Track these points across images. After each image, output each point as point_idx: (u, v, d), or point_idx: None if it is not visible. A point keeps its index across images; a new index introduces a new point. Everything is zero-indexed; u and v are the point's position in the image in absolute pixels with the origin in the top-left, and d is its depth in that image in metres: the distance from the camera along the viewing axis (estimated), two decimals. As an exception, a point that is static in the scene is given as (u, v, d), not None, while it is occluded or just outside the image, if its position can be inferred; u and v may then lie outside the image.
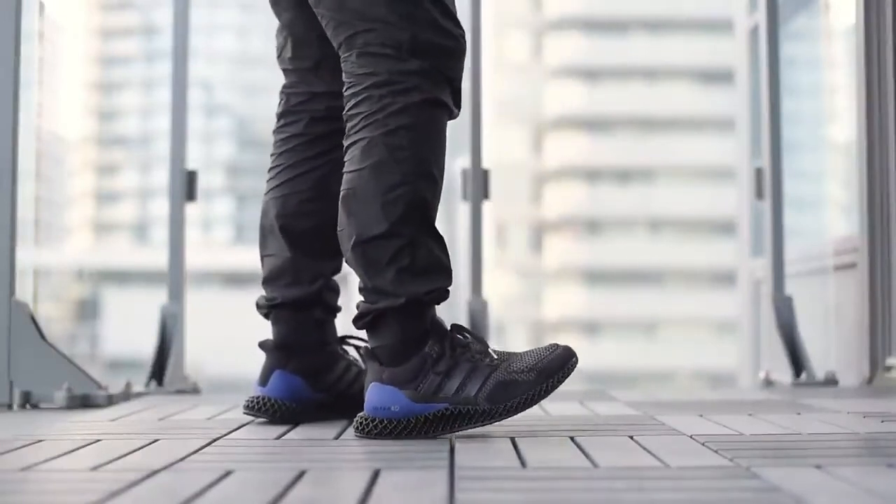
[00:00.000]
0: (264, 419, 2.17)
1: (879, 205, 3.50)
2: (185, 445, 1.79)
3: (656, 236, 37.36)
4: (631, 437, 1.84)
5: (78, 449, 1.78)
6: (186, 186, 3.53)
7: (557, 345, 1.98)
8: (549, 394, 1.92)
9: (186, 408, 2.55)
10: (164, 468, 1.54)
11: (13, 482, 1.46)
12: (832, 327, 3.88)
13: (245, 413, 2.17)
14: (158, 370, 3.30)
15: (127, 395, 2.88)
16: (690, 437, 1.85)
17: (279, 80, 2.28)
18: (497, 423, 1.92)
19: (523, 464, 1.57)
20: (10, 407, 2.70)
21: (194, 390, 3.27)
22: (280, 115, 2.26)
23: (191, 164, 3.55)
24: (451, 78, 1.97)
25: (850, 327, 3.67)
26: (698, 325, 35.60)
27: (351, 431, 1.95)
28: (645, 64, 37.43)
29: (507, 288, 36.67)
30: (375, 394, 1.90)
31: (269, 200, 2.22)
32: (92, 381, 2.76)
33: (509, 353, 1.97)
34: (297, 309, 2.20)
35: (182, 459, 1.63)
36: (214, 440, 1.88)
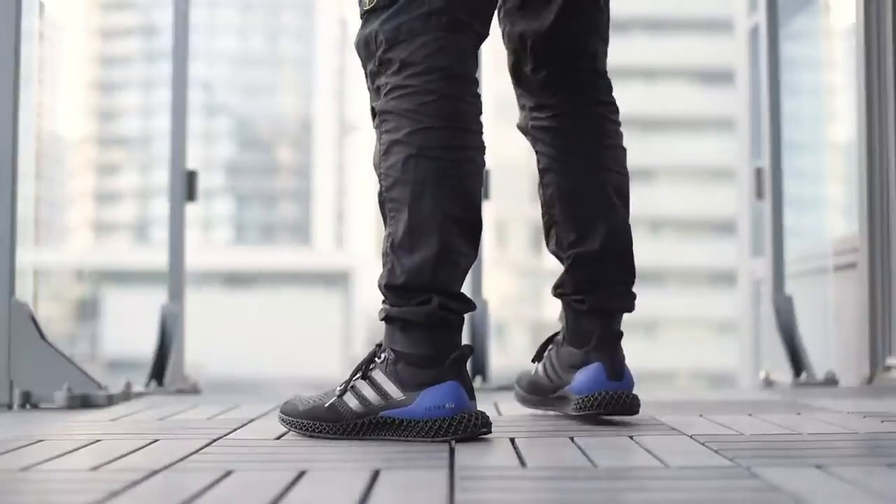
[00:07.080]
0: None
1: (879, 205, 3.50)
2: (185, 445, 1.78)
3: (656, 236, 37.36)
4: (631, 438, 1.84)
5: (78, 449, 1.78)
6: (186, 186, 3.54)
7: None
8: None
9: (186, 408, 2.55)
10: (164, 468, 1.54)
11: (13, 482, 1.46)
12: (832, 327, 3.88)
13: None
14: (158, 370, 3.31)
15: (127, 395, 2.88)
16: (690, 437, 1.85)
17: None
18: None
19: (523, 464, 1.57)
20: (10, 407, 2.70)
21: (194, 390, 3.27)
22: None
23: (191, 164, 3.56)
24: None
25: (850, 327, 3.67)
26: (698, 325, 35.61)
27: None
28: (645, 64, 37.42)
29: (507, 288, 36.67)
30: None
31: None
32: (92, 381, 2.76)
33: None
34: None
35: (182, 459, 1.63)
36: (214, 440, 1.88)
